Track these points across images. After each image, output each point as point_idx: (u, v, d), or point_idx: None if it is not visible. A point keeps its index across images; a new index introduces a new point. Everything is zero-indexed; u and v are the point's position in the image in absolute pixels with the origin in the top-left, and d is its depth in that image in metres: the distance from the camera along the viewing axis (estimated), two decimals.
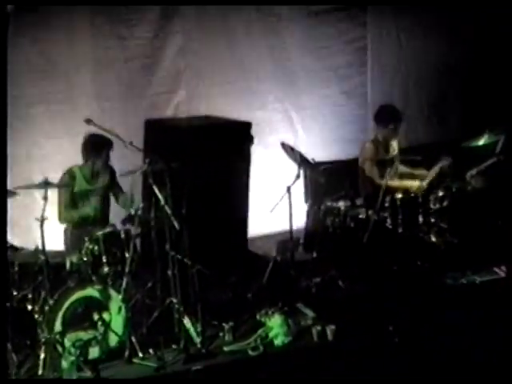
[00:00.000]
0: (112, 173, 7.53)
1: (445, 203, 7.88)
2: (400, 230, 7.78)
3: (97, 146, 7.32)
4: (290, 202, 7.50)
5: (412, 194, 7.91)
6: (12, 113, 8.04)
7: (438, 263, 7.66)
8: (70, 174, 7.37)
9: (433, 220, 7.84)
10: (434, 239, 7.82)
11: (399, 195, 7.84)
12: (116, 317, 6.61)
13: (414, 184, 8.09)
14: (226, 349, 6.74)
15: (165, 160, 6.82)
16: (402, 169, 8.37)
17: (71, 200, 7.35)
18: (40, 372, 6.33)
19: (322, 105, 9.48)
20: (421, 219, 7.83)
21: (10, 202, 7.22)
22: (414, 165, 8.35)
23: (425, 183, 8.04)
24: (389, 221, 7.80)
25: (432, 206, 7.86)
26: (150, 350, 6.62)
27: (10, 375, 6.24)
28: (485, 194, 8.06)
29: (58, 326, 6.44)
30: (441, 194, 7.90)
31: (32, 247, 6.77)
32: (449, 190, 7.93)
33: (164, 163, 6.80)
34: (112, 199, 7.59)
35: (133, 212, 6.92)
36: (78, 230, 7.20)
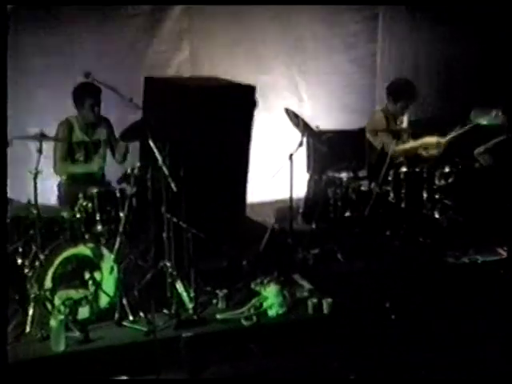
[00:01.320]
0: (109, 126, 7.55)
1: (450, 180, 7.88)
2: (403, 205, 7.79)
3: (80, 97, 7.36)
4: (291, 169, 7.47)
5: (417, 169, 7.89)
6: (9, 64, 8.06)
7: (440, 241, 7.67)
8: (67, 124, 7.40)
9: (437, 196, 7.84)
10: (437, 216, 7.82)
11: (403, 169, 7.84)
12: (108, 277, 6.61)
13: (431, 140, 8.04)
14: (218, 317, 6.73)
15: (164, 119, 6.82)
16: (410, 142, 8.32)
17: (68, 151, 7.36)
18: (27, 329, 6.33)
19: (329, 72, 9.46)
20: (425, 195, 7.83)
21: None
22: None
23: (445, 140, 8.00)
24: (391, 195, 7.81)
25: (437, 181, 7.86)
26: (141, 314, 6.62)
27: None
28: (492, 172, 8.06)
29: (48, 283, 6.43)
30: (447, 170, 7.89)
31: (25, 200, 6.74)
32: (455, 167, 7.92)
33: (163, 122, 6.78)
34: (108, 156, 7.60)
35: (129, 171, 6.89)
36: (72, 185, 7.20)
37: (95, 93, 7.34)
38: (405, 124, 8.30)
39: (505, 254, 7.51)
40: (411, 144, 8.08)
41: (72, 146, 7.39)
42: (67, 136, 7.35)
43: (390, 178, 7.81)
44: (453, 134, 8.05)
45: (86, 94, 7.35)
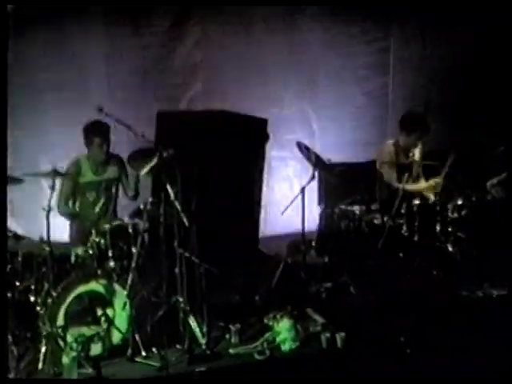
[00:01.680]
0: (122, 164, 7.55)
1: (463, 212, 7.86)
2: (416, 238, 7.76)
3: (88, 136, 7.37)
4: (303, 203, 7.47)
5: (430, 201, 7.90)
6: (21, 99, 8.19)
7: (454, 274, 7.65)
8: (75, 164, 7.43)
9: (450, 229, 7.81)
10: (450, 249, 7.79)
11: (416, 201, 7.82)
12: (120, 313, 6.61)
13: (430, 184, 8.07)
14: (231, 351, 6.73)
15: (176, 154, 6.79)
16: (422, 176, 8.31)
17: (72, 191, 7.40)
18: (40, 366, 6.34)
19: (340, 105, 9.51)
20: (438, 228, 7.80)
21: (16, 189, 7.28)
22: (433, 171, 8.28)
23: (439, 179, 8.01)
24: (404, 228, 7.78)
25: (450, 214, 7.84)
26: (154, 349, 6.61)
27: (9, 372, 6.24)
28: (505, 204, 8.01)
29: (60, 320, 6.43)
30: (460, 202, 7.88)
31: (37, 237, 6.76)
32: (468, 199, 7.91)
33: (175, 156, 6.78)
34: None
35: (141, 206, 6.92)
36: (84, 221, 7.21)
37: (103, 131, 7.33)
38: (417, 156, 8.28)
39: None
40: (413, 187, 8.06)
41: (79, 186, 7.42)
42: (74, 176, 7.36)
43: (402, 211, 7.78)
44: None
45: (94, 133, 7.35)
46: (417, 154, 8.25)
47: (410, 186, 7.99)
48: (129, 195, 7.64)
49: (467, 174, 8.15)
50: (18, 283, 6.64)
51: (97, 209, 7.33)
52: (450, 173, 8.04)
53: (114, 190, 7.52)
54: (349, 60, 9.51)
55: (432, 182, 8.15)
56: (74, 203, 7.48)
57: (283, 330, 6.81)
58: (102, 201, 7.40)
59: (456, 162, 8.00)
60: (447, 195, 7.97)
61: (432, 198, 8.03)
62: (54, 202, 6.60)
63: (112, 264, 6.82)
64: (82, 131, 7.43)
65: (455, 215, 7.85)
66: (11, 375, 6.21)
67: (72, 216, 7.43)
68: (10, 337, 6.39)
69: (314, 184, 8.08)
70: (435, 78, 9.77)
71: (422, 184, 8.20)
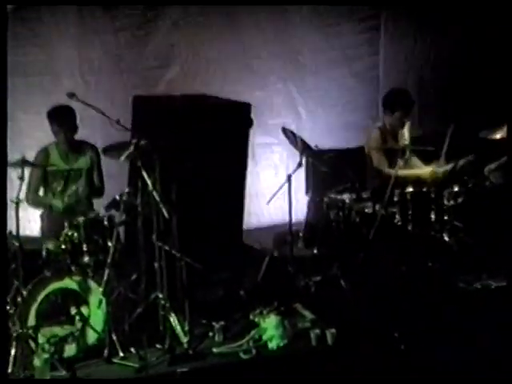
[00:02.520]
0: (96, 153, 7.51)
1: (460, 199, 7.84)
2: (410, 227, 7.75)
3: (52, 121, 7.34)
4: (289, 191, 7.50)
5: (424, 188, 7.86)
6: None
7: (450, 265, 7.64)
8: (43, 152, 7.40)
9: (446, 217, 7.79)
10: (446, 238, 7.77)
11: (410, 189, 7.80)
12: (96, 311, 6.61)
13: (426, 171, 8.06)
14: (215, 350, 6.74)
15: (154, 141, 6.78)
16: (415, 161, 8.31)
17: (41, 180, 7.36)
18: (9, 370, 6.28)
19: (328, 87, 9.51)
20: (433, 216, 7.78)
21: None
22: (427, 159, 8.27)
23: (441, 170, 8.00)
24: (397, 217, 7.76)
25: (446, 202, 7.81)
26: (132, 349, 6.61)
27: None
28: (504, 190, 8.01)
29: (31, 320, 6.43)
30: (456, 189, 7.86)
31: (5, 232, 6.64)
32: (465, 186, 7.90)
33: (152, 144, 6.76)
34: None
35: (117, 196, 6.89)
36: (56, 214, 7.18)
37: (67, 115, 7.31)
38: (406, 138, 8.27)
39: None
40: (405, 172, 8.01)
41: (47, 176, 7.38)
42: (42, 164, 7.32)
43: (395, 199, 7.76)
44: (449, 167, 8.03)
45: (57, 118, 7.33)
46: (405, 136, 8.26)
47: (404, 172, 7.94)
48: (93, 189, 7.57)
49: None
50: None
51: (65, 199, 7.27)
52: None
53: (85, 179, 7.46)
54: (337, 39, 9.49)
55: (433, 165, 8.11)
56: (45, 193, 7.42)
57: (270, 326, 6.81)
58: (71, 191, 7.34)
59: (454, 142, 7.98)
60: (442, 182, 7.95)
61: (429, 171, 8.02)
62: (22, 194, 6.54)
63: (86, 259, 6.79)
64: (47, 117, 7.39)
65: (451, 203, 7.82)
66: None
67: (42, 207, 7.37)
68: None
69: (301, 171, 8.03)
70: (428, 58, 9.77)
71: (415, 170, 8.16)
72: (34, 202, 7.38)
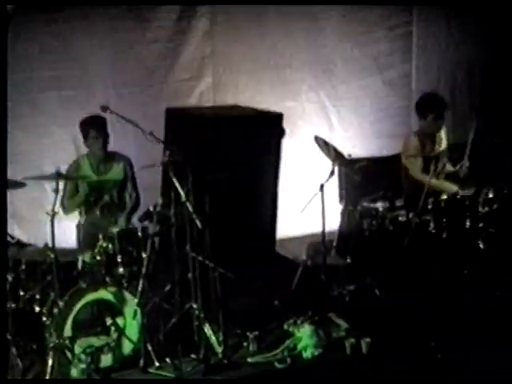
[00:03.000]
0: (129, 165, 7.62)
1: (495, 206, 7.87)
2: (444, 235, 7.78)
3: (84, 131, 7.45)
4: (322, 201, 7.52)
5: (458, 196, 7.90)
6: (22, 98, 8.26)
7: (487, 273, 7.64)
8: (75, 163, 7.51)
9: (481, 224, 7.82)
10: (482, 246, 7.80)
11: (444, 196, 7.83)
12: (131, 322, 6.65)
13: (451, 188, 8.09)
14: (249, 360, 6.76)
15: (187, 152, 6.87)
16: (450, 167, 8.35)
17: (73, 189, 7.46)
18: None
19: (360, 96, 9.52)
20: (468, 223, 7.82)
21: (18, 193, 7.38)
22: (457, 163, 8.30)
23: (464, 191, 7.99)
24: (432, 224, 7.79)
25: (480, 208, 7.85)
26: (167, 360, 6.64)
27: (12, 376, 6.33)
28: None
29: (67, 331, 6.47)
30: (491, 195, 7.89)
31: (41, 244, 6.85)
32: (499, 192, 7.91)
33: (185, 155, 6.85)
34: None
35: (151, 208, 6.93)
36: (91, 225, 7.27)
37: (99, 124, 7.39)
38: (443, 145, 8.29)
39: None
40: (435, 183, 8.02)
41: (81, 188, 7.47)
42: (75, 177, 7.43)
43: (429, 207, 7.79)
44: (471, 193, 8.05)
45: (89, 126, 7.41)
46: (443, 141, 8.27)
47: (434, 182, 7.96)
48: (126, 198, 7.66)
49: (497, 164, 8.11)
50: (22, 293, 6.68)
51: (97, 210, 7.37)
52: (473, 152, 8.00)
53: (117, 191, 7.57)
54: (368, 48, 9.51)
55: (457, 167, 8.13)
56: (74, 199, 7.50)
57: (304, 336, 6.83)
58: (103, 202, 7.46)
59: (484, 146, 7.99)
60: (476, 188, 7.95)
61: (454, 189, 8.01)
62: (58, 207, 6.62)
63: (121, 270, 6.83)
64: (79, 127, 7.50)
65: (486, 209, 7.84)
66: None
67: (77, 209, 7.45)
68: (14, 349, 6.46)
69: (334, 180, 8.09)
70: (460, 64, 9.76)
71: (444, 184, 8.17)
72: (70, 208, 7.44)
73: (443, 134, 8.36)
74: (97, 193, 7.51)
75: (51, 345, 6.42)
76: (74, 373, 6.29)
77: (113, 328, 6.60)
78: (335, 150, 7.81)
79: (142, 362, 6.60)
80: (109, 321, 6.61)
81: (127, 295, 6.68)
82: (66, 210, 7.46)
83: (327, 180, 7.62)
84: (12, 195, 7.60)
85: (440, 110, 8.21)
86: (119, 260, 6.84)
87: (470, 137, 8.08)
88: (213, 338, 6.78)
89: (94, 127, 7.40)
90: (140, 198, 7.69)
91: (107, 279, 6.74)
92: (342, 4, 9.30)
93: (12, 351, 6.44)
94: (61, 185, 6.70)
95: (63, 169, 6.85)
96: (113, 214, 7.48)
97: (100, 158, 7.52)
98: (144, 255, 6.81)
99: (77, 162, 7.52)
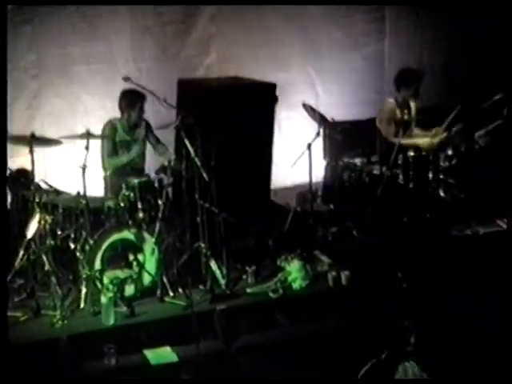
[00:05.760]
0: (148, 125, 7.54)
1: (453, 161, 7.84)
2: (411, 186, 7.77)
3: (131, 101, 7.33)
4: (310, 157, 7.53)
5: (423, 153, 7.87)
6: (57, 70, 8.23)
7: (445, 216, 7.64)
8: (110, 126, 7.40)
9: (442, 176, 7.81)
10: (442, 194, 7.80)
11: (411, 153, 7.81)
12: (149, 258, 6.66)
13: (424, 140, 8.02)
14: (248, 290, 6.79)
15: (195, 116, 6.83)
16: (417, 131, 8.28)
17: (113, 149, 7.37)
18: (82, 305, 6.44)
19: (341, 69, 9.42)
20: (431, 175, 7.80)
21: (55, 150, 7.46)
22: (426, 126, 8.24)
23: (436, 140, 7.97)
24: (401, 177, 7.79)
25: (441, 163, 7.82)
26: (180, 290, 6.68)
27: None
28: (491, 152, 8.02)
29: (97, 264, 6.51)
30: (450, 152, 7.86)
31: (74, 192, 6.83)
32: (458, 149, 7.88)
33: (194, 118, 6.81)
34: (148, 150, 7.61)
35: (166, 163, 6.96)
36: (116, 177, 7.18)
37: (144, 99, 7.30)
38: (413, 113, 8.25)
39: (504, 225, 7.44)
40: (407, 141, 8.00)
41: (116, 145, 7.39)
42: (111, 135, 7.35)
43: (399, 162, 7.78)
44: (443, 136, 8.01)
45: (138, 99, 7.30)
46: (413, 109, 8.22)
47: (405, 140, 7.95)
48: (158, 151, 7.55)
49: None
50: (59, 232, 6.73)
51: (127, 164, 7.33)
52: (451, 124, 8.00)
53: (141, 148, 7.50)
54: (349, 29, 9.42)
55: (433, 130, 8.10)
56: (115, 158, 7.42)
57: (294, 270, 6.86)
58: (132, 157, 7.39)
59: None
60: (439, 147, 7.94)
61: (427, 141, 7.98)
62: (88, 161, 6.59)
63: (141, 215, 6.82)
64: (124, 96, 7.37)
65: (446, 164, 7.84)
66: (57, 313, 6.31)
67: (116, 169, 7.32)
68: (53, 279, 6.48)
69: (320, 140, 8.07)
70: (426, 44, 9.67)
71: (415, 139, 8.11)
72: (111, 165, 7.32)
73: (414, 103, 8.29)
74: (126, 150, 7.41)
75: (84, 276, 6.47)
76: (104, 300, 6.30)
77: (134, 263, 6.62)
78: (320, 114, 7.82)
79: (158, 291, 6.63)
80: (131, 257, 6.63)
81: (146, 235, 6.69)
82: (107, 166, 7.34)
83: (314, 140, 7.62)
84: (51, 151, 7.75)
85: (417, 82, 8.15)
86: (139, 206, 6.83)
87: (451, 115, 8.01)
88: (218, 272, 6.80)
89: (141, 100, 7.30)
90: (165, 145, 7.57)
91: (129, 222, 6.76)
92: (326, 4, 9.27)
93: (52, 281, 6.47)
94: (91, 143, 6.67)
95: (92, 130, 6.79)
96: (136, 168, 7.40)
97: (134, 122, 7.41)
98: (160, 202, 6.81)
99: (112, 124, 7.40)
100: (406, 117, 8.04)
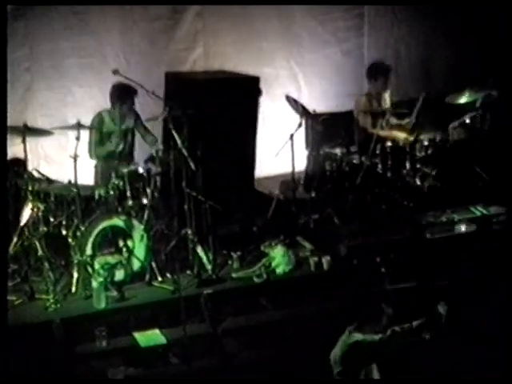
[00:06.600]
0: (137, 116, 7.48)
1: (429, 151, 7.86)
2: (389, 174, 7.78)
3: (122, 93, 7.27)
4: (292, 147, 7.53)
5: (400, 143, 7.88)
6: (49, 64, 8.16)
7: (421, 203, 7.64)
8: (99, 117, 7.34)
9: (418, 166, 7.82)
10: (418, 182, 7.80)
11: (389, 143, 7.82)
12: (139, 244, 6.65)
13: (400, 136, 8.00)
14: (233, 275, 6.78)
15: (182, 108, 6.81)
16: (393, 120, 8.26)
17: (100, 139, 7.30)
18: (73, 289, 6.42)
19: (323, 63, 9.37)
20: (407, 165, 7.81)
21: (47, 140, 7.45)
22: (402, 116, 8.24)
23: (411, 138, 7.94)
24: (379, 166, 7.79)
25: (418, 153, 7.84)
26: (168, 275, 6.66)
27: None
28: (464, 143, 8.05)
29: (88, 250, 6.49)
30: (426, 143, 7.87)
31: (66, 180, 6.79)
32: (433, 140, 7.90)
33: (181, 110, 6.79)
34: (136, 140, 7.54)
35: (154, 153, 6.93)
36: (105, 166, 7.16)
37: (135, 93, 7.22)
38: (387, 103, 8.26)
39: (477, 212, 7.45)
40: (385, 133, 7.98)
41: (103, 135, 7.32)
42: (98, 125, 7.28)
43: (377, 152, 7.78)
44: (411, 124, 8.02)
45: (129, 93, 7.21)
46: (387, 100, 8.25)
47: (383, 132, 7.95)
48: (147, 141, 7.48)
49: (433, 118, 8.12)
50: (52, 219, 6.69)
51: (116, 154, 7.25)
52: (419, 112, 8.00)
53: (130, 138, 7.44)
54: (329, 25, 9.36)
55: (405, 121, 8.11)
56: (102, 147, 7.34)
57: (277, 255, 6.85)
58: (120, 147, 7.32)
59: (424, 106, 7.97)
60: (415, 138, 7.93)
61: (404, 136, 7.95)
62: (79, 151, 6.56)
63: (130, 203, 6.80)
64: (116, 90, 7.27)
65: (422, 154, 7.85)
66: (50, 297, 6.27)
67: (102, 158, 7.28)
68: (46, 264, 6.45)
69: (302, 131, 8.04)
70: (402, 39, 9.65)
71: (393, 133, 8.06)
72: (97, 154, 7.25)
73: (387, 94, 8.33)
74: (115, 140, 7.33)
75: (75, 261, 6.45)
76: (95, 284, 6.29)
77: (124, 249, 6.60)
78: (302, 106, 7.80)
79: (147, 276, 6.61)
80: (121, 243, 6.61)
81: (135, 222, 6.67)
82: (92, 155, 7.27)
83: (296, 130, 7.63)
84: (43, 141, 7.72)
85: (386, 73, 8.21)
86: (128, 194, 6.80)
87: (418, 103, 8.01)
88: (204, 258, 6.78)
89: (132, 94, 7.21)
90: (154, 136, 7.50)
91: (119, 209, 6.74)
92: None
93: (45, 266, 6.43)
94: (82, 134, 6.62)
95: (83, 121, 6.74)
96: (125, 158, 7.32)
97: (123, 114, 7.32)
98: (148, 190, 6.78)
99: (101, 115, 7.33)
100: (380, 107, 8.10)
